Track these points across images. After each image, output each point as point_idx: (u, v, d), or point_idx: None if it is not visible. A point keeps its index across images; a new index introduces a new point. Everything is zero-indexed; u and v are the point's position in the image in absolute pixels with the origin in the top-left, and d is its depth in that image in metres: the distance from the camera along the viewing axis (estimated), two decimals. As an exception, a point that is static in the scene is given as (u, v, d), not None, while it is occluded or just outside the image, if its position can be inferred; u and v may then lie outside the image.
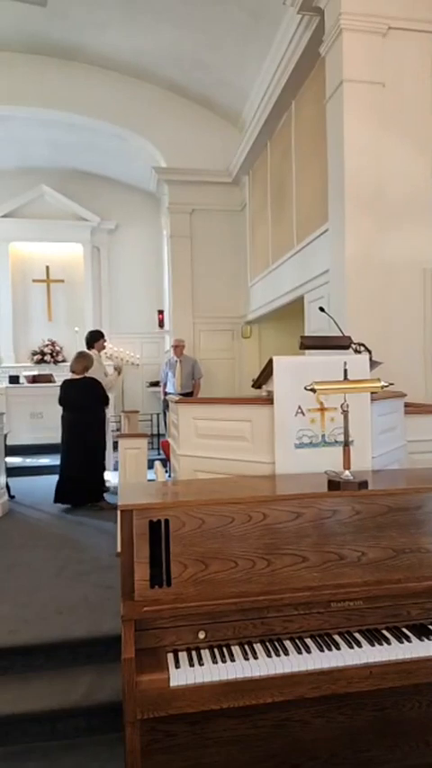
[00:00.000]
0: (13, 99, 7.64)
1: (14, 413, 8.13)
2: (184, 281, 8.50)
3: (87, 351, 5.96)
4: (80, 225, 10.12)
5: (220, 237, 8.50)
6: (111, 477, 6.11)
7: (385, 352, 3.63)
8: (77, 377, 5.45)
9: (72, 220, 10.11)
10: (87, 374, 5.48)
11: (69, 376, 5.58)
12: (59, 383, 5.78)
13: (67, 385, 5.50)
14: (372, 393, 2.22)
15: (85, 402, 5.38)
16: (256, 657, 1.67)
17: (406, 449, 2.75)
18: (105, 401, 5.60)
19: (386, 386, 1.94)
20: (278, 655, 1.68)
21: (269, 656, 1.68)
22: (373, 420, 2.35)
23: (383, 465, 2.41)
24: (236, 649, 1.71)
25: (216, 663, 1.65)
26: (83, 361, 5.52)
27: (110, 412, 5.73)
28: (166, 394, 7.68)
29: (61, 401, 5.47)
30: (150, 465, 4.25)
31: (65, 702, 2.40)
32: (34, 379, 8.83)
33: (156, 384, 9.27)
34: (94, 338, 6.22)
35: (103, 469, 5.60)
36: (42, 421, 8.19)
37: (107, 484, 5.72)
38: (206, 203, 8.41)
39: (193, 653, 1.69)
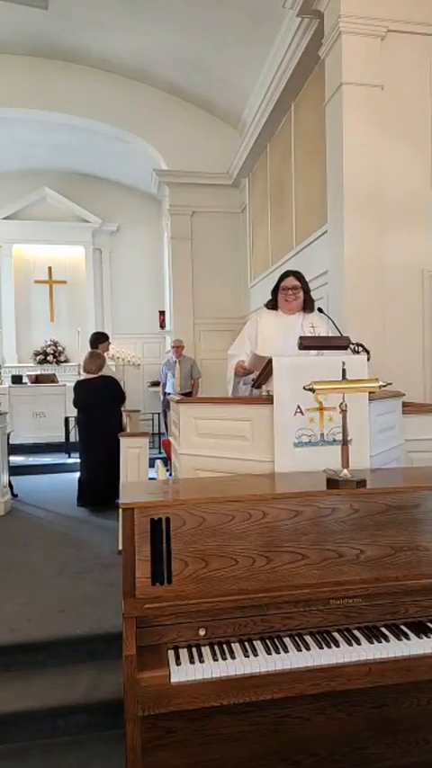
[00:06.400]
0: (15, 101, 7.68)
1: (17, 412, 8.18)
2: (185, 282, 8.53)
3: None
4: (82, 227, 10.17)
5: (220, 239, 8.52)
6: None
7: (384, 352, 3.65)
8: (92, 376, 5.35)
9: (74, 222, 10.16)
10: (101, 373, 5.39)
11: (81, 376, 5.46)
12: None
13: (81, 385, 5.40)
14: (370, 393, 2.23)
15: (102, 401, 5.25)
16: (256, 654, 1.68)
17: (404, 448, 2.77)
18: (123, 398, 5.48)
19: (384, 386, 1.96)
20: (278, 652, 1.69)
21: (269, 653, 1.69)
22: (372, 419, 2.36)
23: (382, 464, 2.43)
24: (236, 646, 1.72)
25: (216, 660, 1.65)
26: (96, 360, 5.43)
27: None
28: (165, 394, 7.71)
29: (77, 402, 5.33)
30: (151, 464, 4.26)
31: (66, 699, 2.41)
32: (37, 379, 8.87)
33: (156, 384, 9.31)
34: (99, 340, 6.20)
35: None
36: (45, 420, 8.24)
37: None
38: (206, 205, 8.45)
39: (194, 650, 1.70)
